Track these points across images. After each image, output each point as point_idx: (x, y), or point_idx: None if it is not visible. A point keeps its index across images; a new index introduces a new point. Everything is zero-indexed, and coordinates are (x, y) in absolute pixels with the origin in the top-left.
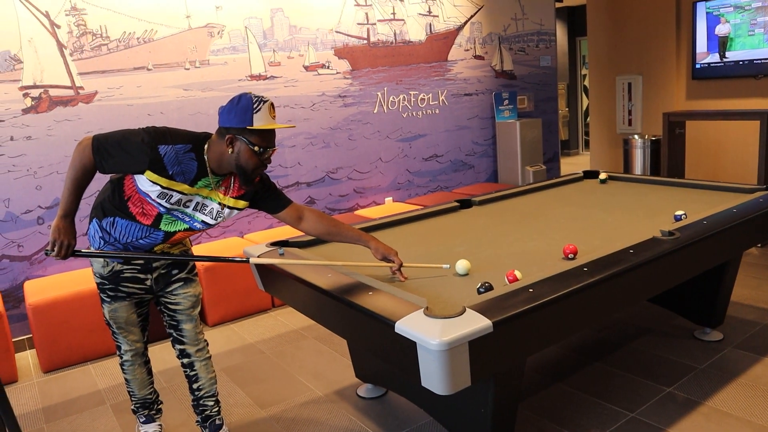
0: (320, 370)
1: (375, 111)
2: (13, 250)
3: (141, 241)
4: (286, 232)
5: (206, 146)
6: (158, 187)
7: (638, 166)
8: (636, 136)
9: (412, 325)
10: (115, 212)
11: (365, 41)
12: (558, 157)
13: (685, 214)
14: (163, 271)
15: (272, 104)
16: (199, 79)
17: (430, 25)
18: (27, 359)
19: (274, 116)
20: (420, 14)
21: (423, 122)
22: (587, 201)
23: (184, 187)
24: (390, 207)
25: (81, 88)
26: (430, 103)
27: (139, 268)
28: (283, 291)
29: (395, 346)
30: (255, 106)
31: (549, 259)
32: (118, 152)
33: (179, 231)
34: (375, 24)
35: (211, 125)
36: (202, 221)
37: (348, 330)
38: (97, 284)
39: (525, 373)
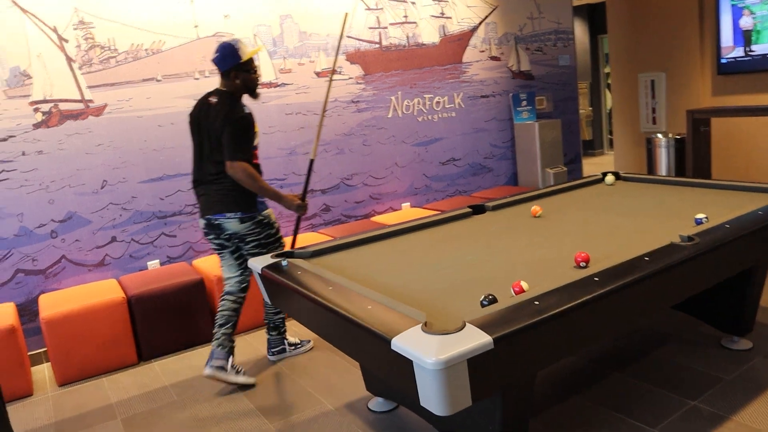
0: (332, 382)
1: (389, 116)
2: (28, 264)
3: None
4: (306, 239)
5: (230, 90)
6: (258, 129)
7: (662, 166)
8: (659, 135)
9: (408, 342)
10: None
11: (377, 45)
12: (580, 158)
13: (706, 217)
14: None
15: (243, 42)
16: (209, 89)
17: (444, 27)
18: (43, 372)
19: (246, 45)
20: (432, 16)
21: (439, 126)
22: (604, 204)
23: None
24: (407, 212)
25: (90, 101)
26: (446, 106)
27: None
28: (287, 304)
29: (393, 363)
30: (236, 47)
31: (560, 267)
32: (249, 141)
33: None
34: (387, 27)
35: None
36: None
37: (347, 345)
38: (276, 231)
39: (538, 385)
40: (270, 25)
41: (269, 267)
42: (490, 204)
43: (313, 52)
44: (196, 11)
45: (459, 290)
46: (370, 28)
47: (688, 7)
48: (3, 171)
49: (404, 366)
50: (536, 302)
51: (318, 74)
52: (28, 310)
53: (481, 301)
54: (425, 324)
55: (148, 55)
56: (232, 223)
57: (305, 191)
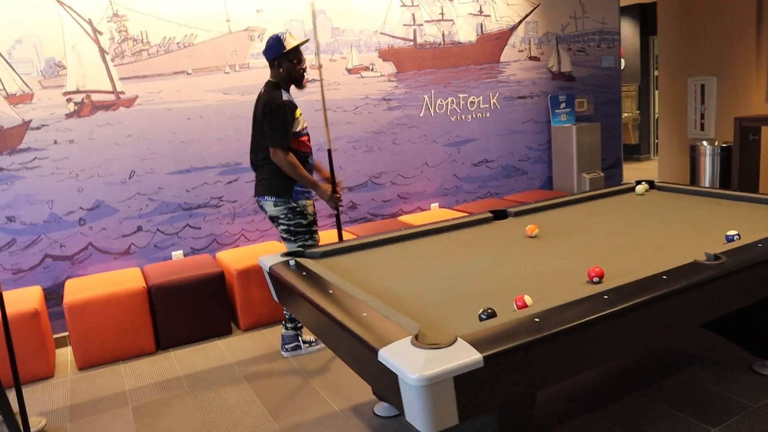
0: (341, 383)
1: (421, 114)
2: (56, 249)
3: (310, 161)
4: (328, 236)
5: (275, 80)
6: (300, 117)
7: (706, 176)
8: (705, 143)
9: (395, 355)
10: (303, 163)
11: (411, 43)
12: (620, 163)
13: (738, 234)
14: None
15: (292, 34)
16: (239, 83)
17: (482, 25)
18: (66, 356)
19: (295, 38)
20: (470, 14)
21: (473, 126)
22: (633, 215)
23: (298, 111)
24: (436, 213)
25: (122, 92)
26: (481, 106)
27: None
28: (291, 304)
29: (381, 374)
30: (282, 36)
31: (572, 281)
32: (287, 128)
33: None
34: (422, 25)
35: (250, 128)
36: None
37: (341, 351)
38: (309, 223)
39: (551, 399)
40: (302, 20)
41: (277, 265)
42: (513, 210)
43: (345, 49)
44: (228, 5)
45: (461, 301)
46: (405, 25)
47: (744, 8)
48: (35, 159)
49: (391, 378)
50: (537, 319)
51: (349, 71)
52: (55, 294)
53: (480, 315)
54: (416, 336)
55: (180, 48)
56: (268, 206)
57: (333, 183)
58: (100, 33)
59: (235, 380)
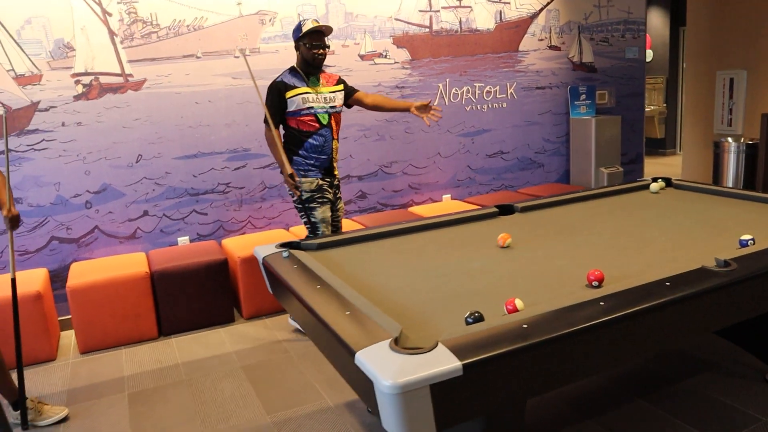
0: (337, 377)
1: (435, 103)
2: (62, 232)
3: (326, 144)
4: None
5: (296, 63)
6: (296, 98)
7: (730, 174)
8: (729, 139)
9: (371, 359)
10: (300, 142)
11: (427, 29)
12: (642, 158)
13: (752, 239)
14: (335, 189)
15: (317, 20)
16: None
17: (501, 12)
18: (70, 338)
19: (317, 24)
20: (489, 1)
21: (488, 116)
22: (644, 214)
23: (304, 88)
24: (447, 204)
25: (130, 75)
26: (497, 96)
27: (328, 181)
28: (281, 297)
29: (358, 377)
30: (303, 21)
31: (570, 285)
32: (269, 107)
33: (330, 119)
34: (438, 11)
35: (259, 113)
36: (330, 106)
37: (324, 349)
38: (307, 200)
39: (551, 403)
40: (315, 4)
41: (270, 256)
42: (519, 205)
43: (358, 34)
44: None
45: (451, 301)
46: (421, 11)
47: None
48: (43, 140)
49: (367, 383)
50: (525, 326)
51: (362, 57)
52: (60, 277)
53: (466, 318)
54: (396, 339)
55: (190, 31)
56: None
57: (282, 165)
58: (110, 14)
59: (232, 370)
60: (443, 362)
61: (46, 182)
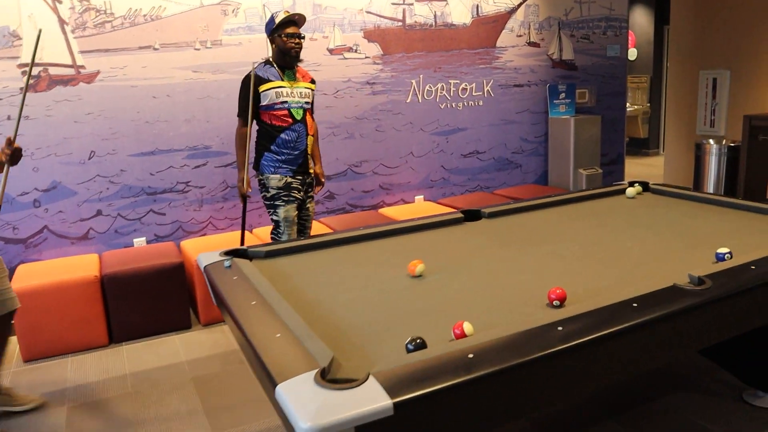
0: None
1: (408, 100)
2: (8, 232)
3: (300, 140)
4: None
5: (270, 57)
6: (270, 91)
7: (711, 177)
8: (711, 141)
9: (291, 394)
10: (271, 137)
11: (400, 23)
12: (622, 159)
13: (729, 253)
14: (307, 187)
15: (287, 10)
16: (210, 61)
17: (477, 6)
18: (14, 345)
19: (289, 14)
20: None
21: (463, 114)
22: (619, 222)
23: (278, 82)
24: (420, 206)
25: (82, 67)
26: (473, 93)
27: (299, 179)
28: (220, 309)
29: (281, 411)
30: (275, 14)
31: (530, 304)
32: (242, 100)
33: (305, 114)
34: (412, 4)
35: (221, 109)
36: (305, 101)
37: (255, 371)
38: (272, 197)
39: (516, 424)
40: None
41: (212, 265)
42: (487, 210)
43: (327, 27)
44: None
45: (398, 321)
46: (393, 3)
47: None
48: None
49: (288, 419)
50: (470, 355)
51: (331, 51)
52: None
53: (407, 345)
54: (323, 370)
55: (147, 21)
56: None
57: (241, 170)
58: (60, 2)
59: (181, 382)
60: (372, 400)
61: None
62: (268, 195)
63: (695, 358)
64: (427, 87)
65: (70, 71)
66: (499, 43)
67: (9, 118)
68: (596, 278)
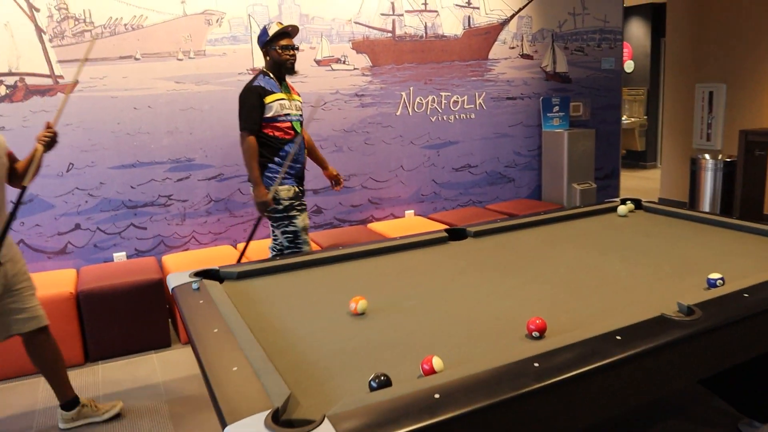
0: None
1: (398, 113)
2: None
3: (301, 152)
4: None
5: (265, 68)
6: (275, 103)
7: (707, 193)
8: (707, 156)
9: None
10: (275, 149)
11: (389, 34)
12: (618, 173)
13: (722, 279)
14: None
15: (280, 22)
16: (193, 71)
17: (469, 18)
18: None
19: (282, 26)
20: (457, 5)
21: (455, 127)
22: (608, 243)
23: (280, 94)
24: (410, 221)
25: (60, 77)
26: (465, 106)
27: (301, 190)
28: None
29: None
30: (267, 25)
31: (508, 334)
32: (251, 111)
33: (300, 127)
34: (402, 15)
35: (204, 121)
36: (300, 114)
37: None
38: (286, 208)
39: None
40: (267, 4)
41: (180, 287)
42: (473, 229)
43: (314, 38)
44: None
45: (366, 353)
46: (383, 14)
47: (760, 11)
48: None
49: None
50: (437, 395)
51: (318, 62)
52: None
53: (370, 382)
54: (276, 411)
55: (128, 30)
56: (252, 192)
57: (259, 184)
58: (37, 10)
59: (156, 405)
60: None
61: None
62: (281, 207)
63: (690, 386)
64: (417, 99)
65: (48, 81)
66: (491, 55)
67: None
68: (581, 306)
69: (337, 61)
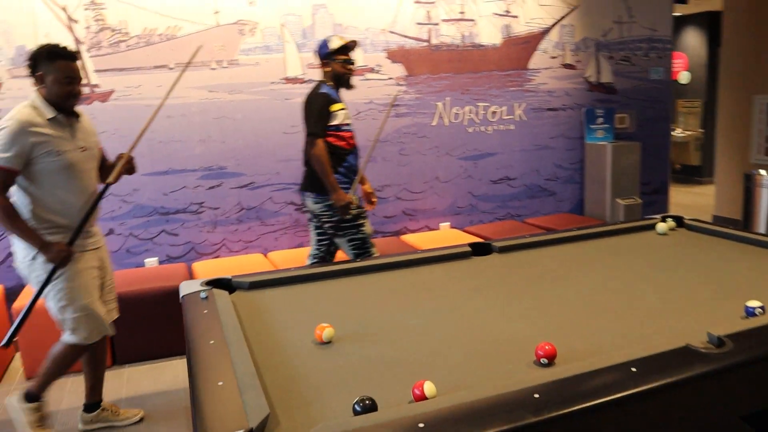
0: None
1: (434, 123)
2: None
3: (357, 164)
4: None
5: (324, 79)
6: (340, 112)
7: (762, 211)
8: (762, 172)
9: None
10: (340, 158)
11: (425, 43)
12: (666, 188)
13: (762, 307)
14: None
15: (343, 37)
16: (226, 80)
17: (508, 27)
18: (18, 361)
19: (345, 40)
20: (495, 14)
21: (493, 139)
22: (641, 263)
23: (342, 104)
24: (444, 234)
25: (97, 86)
26: (504, 117)
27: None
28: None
29: None
30: (328, 38)
31: (513, 360)
32: (320, 116)
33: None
34: (438, 24)
35: (237, 130)
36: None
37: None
38: (356, 215)
39: None
40: (300, 14)
41: (189, 296)
42: (498, 244)
43: None
44: None
45: (356, 374)
46: (419, 23)
47: None
48: None
49: None
50: (421, 425)
51: None
52: (16, 295)
53: (354, 406)
54: (251, 431)
55: (162, 40)
56: (309, 202)
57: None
58: (75, 21)
59: (175, 411)
60: None
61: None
62: (350, 217)
63: (732, 422)
64: (454, 110)
65: (85, 90)
66: (531, 65)
67: None
68: (600, 332)
69: (371, 70)
